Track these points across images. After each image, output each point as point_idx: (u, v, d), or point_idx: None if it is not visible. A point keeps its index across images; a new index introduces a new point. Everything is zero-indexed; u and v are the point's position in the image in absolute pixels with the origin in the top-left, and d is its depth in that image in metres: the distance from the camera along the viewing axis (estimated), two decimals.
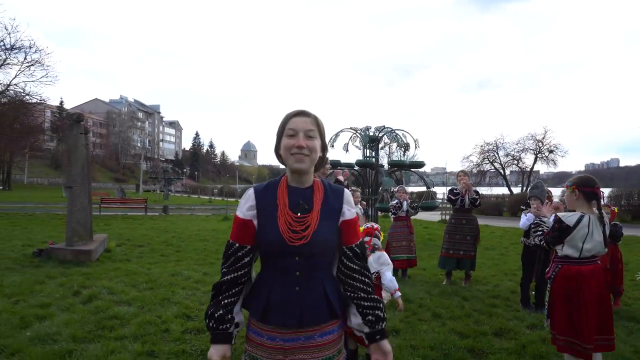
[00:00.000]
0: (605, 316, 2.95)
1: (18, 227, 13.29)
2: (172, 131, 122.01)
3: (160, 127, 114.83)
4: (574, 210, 3.02)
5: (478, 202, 6.39)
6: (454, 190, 6.54)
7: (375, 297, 1.59)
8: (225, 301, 1.50)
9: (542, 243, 3.14)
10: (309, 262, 1.51)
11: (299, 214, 1.52)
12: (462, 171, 6.78)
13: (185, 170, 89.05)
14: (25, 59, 28.25)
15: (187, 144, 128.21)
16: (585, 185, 2.97)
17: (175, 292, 5.32)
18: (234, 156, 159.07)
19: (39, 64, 28.53)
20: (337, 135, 14.40)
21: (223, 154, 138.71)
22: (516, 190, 35.13)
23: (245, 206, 1.56)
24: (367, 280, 1.60)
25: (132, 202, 21.81)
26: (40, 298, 4.84)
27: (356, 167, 14.09)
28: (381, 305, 1.58)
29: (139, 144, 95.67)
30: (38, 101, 31.49)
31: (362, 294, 1.56)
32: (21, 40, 27.60)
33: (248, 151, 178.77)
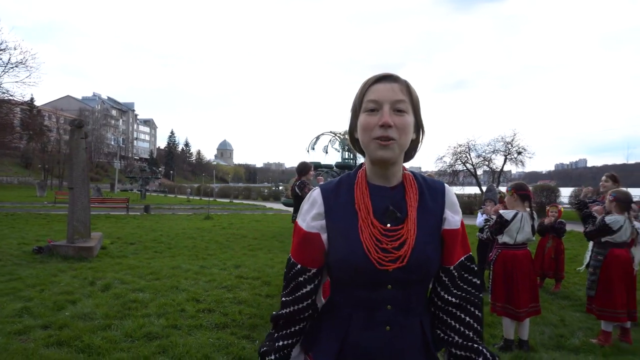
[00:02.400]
0: (532, 289, 3.89)
1: (5, 227, 13.55)
2: (147, 129, 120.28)
3: (135, 125, 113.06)
4: (513, 209, 3.95)
5: None
6: None
7: (477, 345, 1.11)
8: (281, 343, 1.14)
9: (487, 234, 4.06)
10: (405, 293, 1.09)
11: (388, 225, 1.09)
12: (428, 175, 7.69)
13: (160, 169, 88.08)
14: (9, 60, 28.02)
15: (162, 143, 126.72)
16: (520, 190, 3.91)
17: (180, 281, 6.03)
18: (209, 155, 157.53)
19: (22, 65, 28.30)
20: (317, 138, 15.27)
21: (199, 152, 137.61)
22: (496, 190, 36.81)
23: (310, 214, 1.13)
24: (467, 319, 1.13)
25: (114, 201, 22.05)
26: (61, 287, 5.48)
27: (335, 169, 14.97)
28: (481, 359, 1.10)
29: (112, 143, 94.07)
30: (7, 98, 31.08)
31: (458, 339, 1.12)
32: (6, 42, 27.43)
33: (224, 150, 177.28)
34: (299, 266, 1.13)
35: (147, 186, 43.47)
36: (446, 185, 1.21)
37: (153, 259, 8.28)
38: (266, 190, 46.92)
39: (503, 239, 3.93)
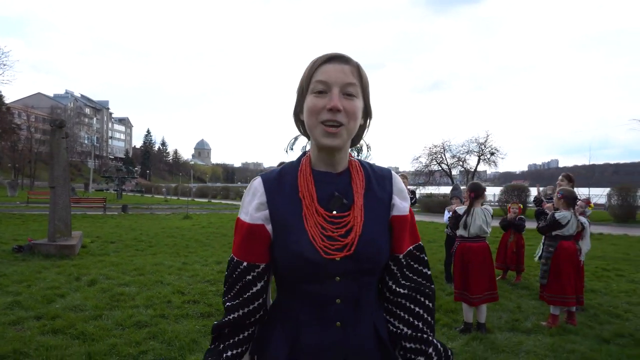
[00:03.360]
0: (488, 277, 4.33)
1: None
2: (122, 128, 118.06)
3: (110, 124, 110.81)
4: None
5: (414, 200, 7.75)
6: None
7: (427, 336, 1.08)
8: (229, 353, 1.04)
9: (446, 230, 4.50)
10: (354, 285, 1.04)
11: (334, 212, 1.04)
12: (402, 175, 8.14)
13: (136, 168, 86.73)
14: None
15: (137, 142, 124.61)
16: (474, 190, 4.35)
17: (164, 276, 6.28)
18: (187, 155, 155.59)
19: None
20: (295, 139, 15.54)
21: (176, 152, 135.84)
22: (461, 188, 37.93)
23: (252, 204, 1.06)
24: (417, 309, 1.09)
25: (90, 201, 21.84)
26: (47, 282, 5.66)
27: None
28: (432, 350, 1.06)
29: (86, 142, 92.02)
30: None
31: (407, 330, 1.08)
32: None
33: (202, 150, 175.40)
34: (244, 264, 1.04)
35: (123, 186, 42.85)
36: (393, 172, 1.17)
37: (135, 256, 8.46)
38: (244, 190, 46.83)
39: (460, 232, 4.37)
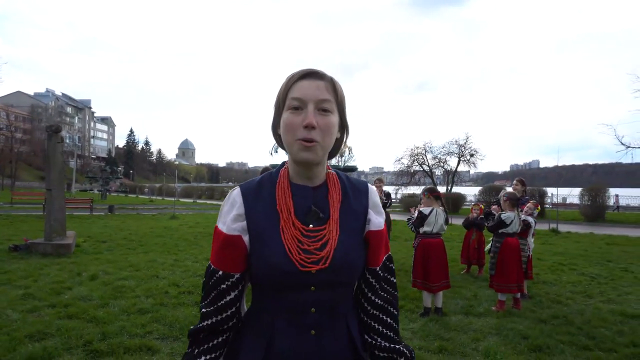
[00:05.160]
0: (443, 268, 5.05)
1: None
2: (105, 127, 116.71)
3: (92, 123, 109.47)
4: (429, 207, 5.11)
5: (389, 203, 8.47)
6: None
7: (398, 347, 1.13)
8: (202, 358, 1.07)
9: (411, 227, 5.20)
10: (329, 295, 1.08)
11: (310, 225, 1.08)
12: (378, 178, 8.86)
13: (119, 168, 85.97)
14: None
15: (120, 142, 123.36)
16: (433, 192, 5.08)
17: (159, 272, 6.86)
18: (171, 154, 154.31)
19: None
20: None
21: (159, 152, 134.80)
22: (442, 189, 39.04)
23: (230, 215, 1.09)
24: (389, 320, 1.17)
25: (77, 202, 22.06)
26: (52, 277, 6.18)
27: None
28: (403, 359, 1.12)
29: (68, 141, 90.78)
30: None
31: (380, 341, 1.15)
32: None
33: (186, 149, 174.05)
34: (220, 273, 1.07)
35: (107, 186, 42.78)
36: (369, 185, 1.19)
37: (128, 254, 8.97)
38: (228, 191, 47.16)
39: (424, 229, 5.08)
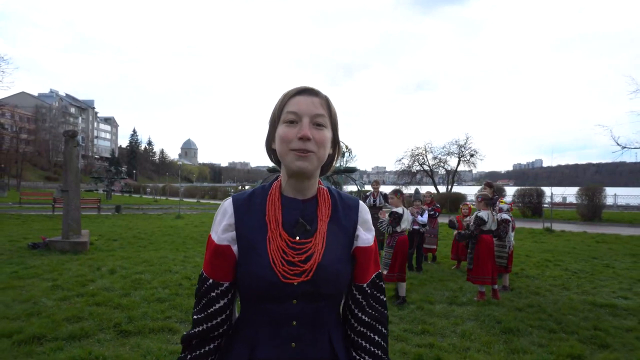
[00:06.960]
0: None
1: None
2: (108, 128, 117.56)
3: (95, 124, 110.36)
4: (398, 207, 5.75)
5: (382, 205, 9.06)
6: (366, 194, 9.31)
7: None
8: None
9: (387, 228, 5.80)
10: (312, 307, 1.08)
11: (297, 238, 1.09)
12: (375, 181, 9.46)
13: (122, 168, 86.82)
14: None
15: (123, 142, 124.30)
16: (401, 193, 5.72)
17: (171, 267, 7.45)
18: (173, 154, 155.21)
19: None
20: None
21: (162, 152, 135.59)
22: (442, 189, 39.54)
23: (221, 225, 1.12)
24: (377, 338, 1.17)
25: (85, 202, 22.69)
26: (74, 271, 6.78)
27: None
28: None
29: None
30: None
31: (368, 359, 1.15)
32: None
33: (188, 149, 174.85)
34: (210, 281, 1.10)
35: (112, 186, 43.47)
36: (360, 202, 1.22)
37: (140, 252, 9.56)
38: (232, 190, 47.80)
39: (402, 227, 5.69)
